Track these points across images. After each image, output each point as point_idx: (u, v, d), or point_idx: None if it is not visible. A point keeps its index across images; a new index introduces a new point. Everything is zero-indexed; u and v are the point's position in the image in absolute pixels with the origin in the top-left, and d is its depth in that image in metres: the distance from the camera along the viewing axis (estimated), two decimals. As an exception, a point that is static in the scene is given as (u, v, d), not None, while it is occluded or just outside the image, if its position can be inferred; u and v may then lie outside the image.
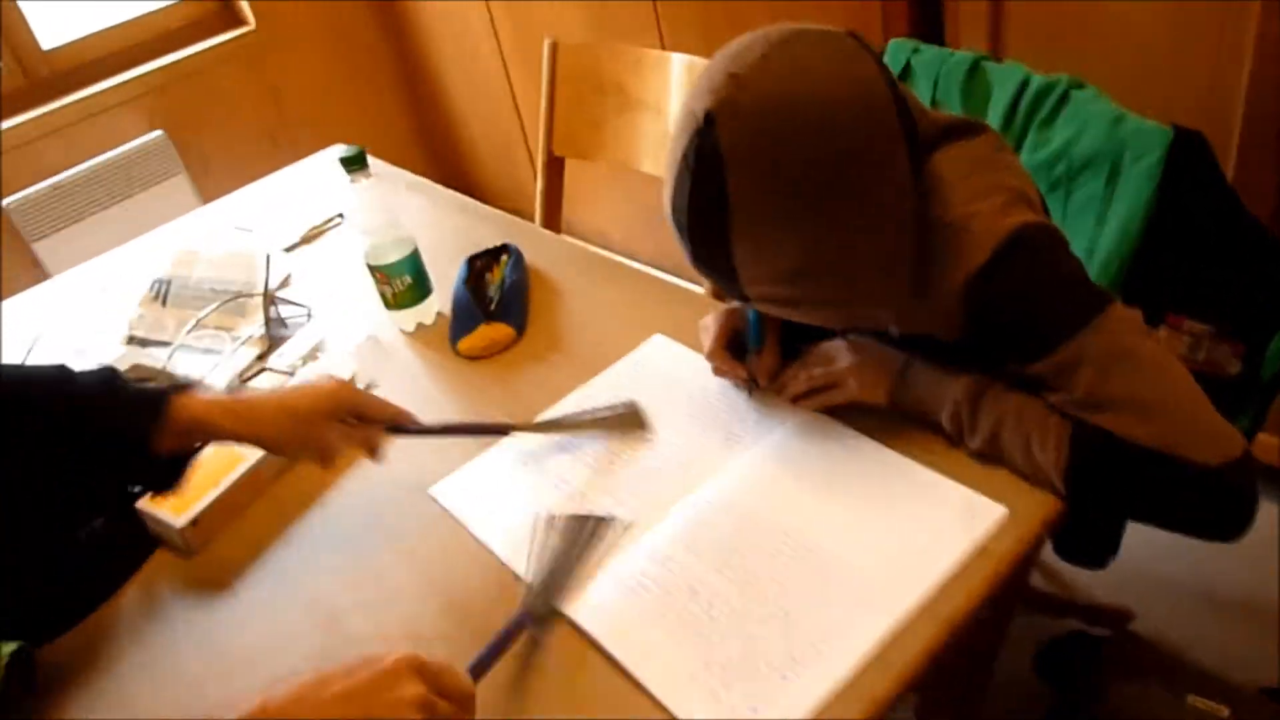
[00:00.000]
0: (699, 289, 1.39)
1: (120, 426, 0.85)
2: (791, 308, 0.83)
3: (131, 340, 1.37)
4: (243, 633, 0.91)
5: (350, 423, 0.93)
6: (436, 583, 0.91)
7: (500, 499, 0.97)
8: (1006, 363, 0.85)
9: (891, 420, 0.93)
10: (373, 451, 0.96)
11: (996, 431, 0.85)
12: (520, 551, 0.90)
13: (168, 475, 0.91)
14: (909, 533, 0.83)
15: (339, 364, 1.17)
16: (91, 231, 2.52)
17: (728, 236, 0.79)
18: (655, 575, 0.84)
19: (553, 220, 1.78)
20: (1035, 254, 0.81)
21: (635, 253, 2.71)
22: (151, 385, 0.92)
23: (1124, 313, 0.80)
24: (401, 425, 0.97)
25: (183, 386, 0.90)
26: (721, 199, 0.78)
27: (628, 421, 1.01)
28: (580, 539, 0.89)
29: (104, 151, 2.48)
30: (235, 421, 0.89)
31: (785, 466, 0.92)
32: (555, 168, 1.76)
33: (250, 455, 1.04)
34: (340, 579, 0.93)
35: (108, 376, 0.89)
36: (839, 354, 0.96)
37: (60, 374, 0.88)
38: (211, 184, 2.60)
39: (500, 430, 1.03)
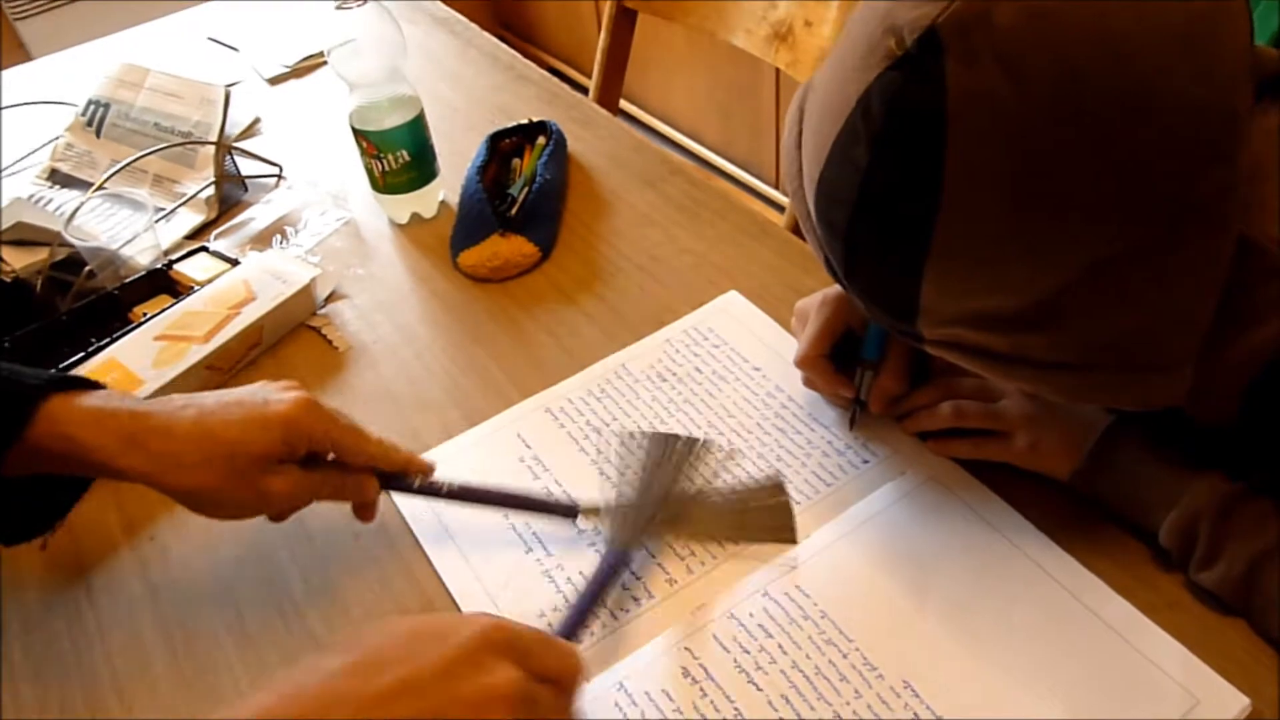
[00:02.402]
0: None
1: None
2: (993, 364, 0.51)
3: (53, 175, 1.06)
4: (89, 651, 0.63)
5: (318, 466, 0.60)
6: (355, 625, 0.62)
7: (485, 517, 0.68)
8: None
9: (1049, 490, 0.62)
10: (363, 510, 0.63)
11: (1254, 571, 0.53)
12: (487, 593, 0.62)
13: (23, 519, 0.61)
14: (1084, 709, 0.53)
15: (293, 263, 0.86)
16: (83, 16, 2.21)
17: (923, 253, 0.46)
18: (686, 700, 0.55)
19: (611, 89, 1.43)
20: None
21: (700, 136, 2.35)
22: (15, 373, 0.56)
23: None
24: (400, 479, 0.63)
25: (65, 380, 0.57)
26: (926, 188, 0.45)
27: (767, 521, 0.64)
28: (671, 458, 0.65)
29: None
30: (133, 451, 0.55)
31: (900, 552, 0.61)
32: (624, 23, 1.40)
33: (147, 382, 0.75)
34: (228, 606, 0.65)
35: None
36: (1009, 390, 0.64)
37: None
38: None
39: (565, 511, 0.65)
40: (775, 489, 0.65)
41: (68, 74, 1.28)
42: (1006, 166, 0.43)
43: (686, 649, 0.57)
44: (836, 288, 0.68)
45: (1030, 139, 0.43)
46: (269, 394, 0.59)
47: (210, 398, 0.59)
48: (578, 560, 0.63)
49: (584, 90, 1.32)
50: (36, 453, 0.54)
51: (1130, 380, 0.49)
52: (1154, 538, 0.58)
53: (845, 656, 0.56)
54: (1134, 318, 0.47)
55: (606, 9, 1.38)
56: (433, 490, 0.64)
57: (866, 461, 0.67)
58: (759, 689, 0.55)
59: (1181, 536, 0.56)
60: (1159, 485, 0.57)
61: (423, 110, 0.90)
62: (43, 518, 0.62)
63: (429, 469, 0.64)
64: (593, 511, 0.64)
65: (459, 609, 0.62)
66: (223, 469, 0.55)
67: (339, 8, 0.83)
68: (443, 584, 0.64)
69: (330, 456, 0.61)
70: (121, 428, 0.55)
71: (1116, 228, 0.44)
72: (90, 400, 0.56)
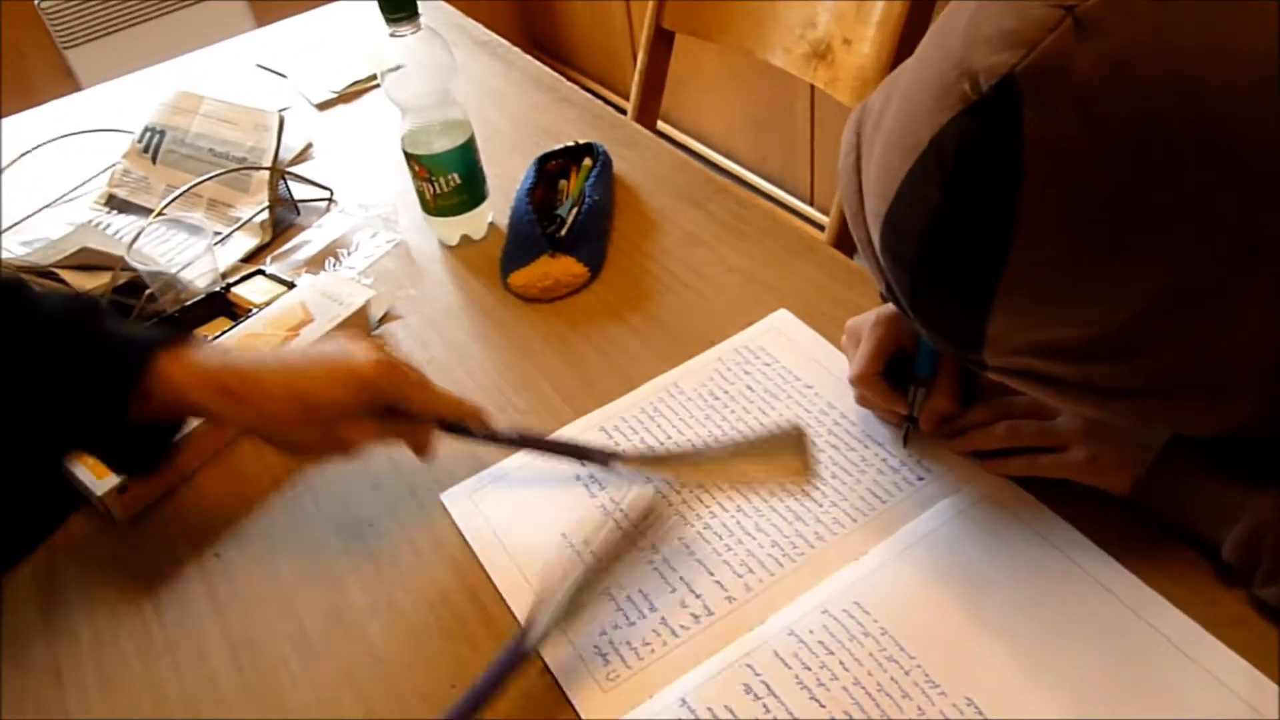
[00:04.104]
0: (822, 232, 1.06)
1: (83, 386, 0.61)
2: (1057, 392, 0.51)
3: (110, 201, 1.08)
4: (156, 663, 0.64)
5: (389, 415, 0.67)
6: (413, 634, 0.63)
7: (535, 525, 0.69)
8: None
9: (1104, 506, 0.62)
10: (421, 451, 0.70)
11: (1319, 588, 0.53)
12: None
13: (140, 455, 0.68)
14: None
15: (347, 285, 0.88)
16: (130, 45, 2.26)
17: (992, 289, 0.47)
18: (749, 717, 0.56)
19: (649, 110, 1.44)
20: None
21: (735, 154, 2.36)
22: (131, 333, 0.65)
23: None
24: (463, 425, 0.71)
25: (172, 338, 0.64)
26: (999, 230, 0.45)
27: (784, 450, 0.70)
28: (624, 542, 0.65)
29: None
30: (229, 404, 0.63)
31: (958, 568, 0.61)
32: (661, 45, 1.41)
33: (209, 401, 0.77)
34: (290, 618, 0.66)
35: (79, 307, 0.64)
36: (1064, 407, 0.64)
37: (13, 287, 0.64)
38: (273, 8, 2.28)
39: (602, 459, 0.71)
40: (792, 429, 0.70)
41: (118, 102, 1.31)
42: (1081, 211, 0.44)
43: (748, 665, 0.58)
44: (889, 307, 0.69)
45: (1106, 184, 0.43)
46: (351, 351, 0.66)
47: (297, 354, 0.69)
48: (629, 575, 0.64)
49: (618, 109, 1.33)
50: (152, 405, 0.62)
51: (1197, 406, 0.49)
52: (1215, 552, 0.58)
53: (907, 673, 0.56)
54: (1202, 347, 0.47)
55: (644, 31, 1.40)
56: (490, 436, 0.71)
57: (921, 479, 0.67)
58: (821, 705, 0.56)
59: (1245, 551, 0.56)
60: (1221, 500, 0.57)
61: (473, 133, 0.92)
62: (157, 454, 0.69)
63: (485, 418, 0.71)
64: (631, 460, 0.70)
65: (516, 619, 0.63)
66: (308, 421, 0.63)
67: (392, 34, 0.84)
68: (499, 594, 0.65)
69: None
70: (219, 385, 0.63)
71: (1188, 264, 0.44)
72: (192, 357, 0.63)
